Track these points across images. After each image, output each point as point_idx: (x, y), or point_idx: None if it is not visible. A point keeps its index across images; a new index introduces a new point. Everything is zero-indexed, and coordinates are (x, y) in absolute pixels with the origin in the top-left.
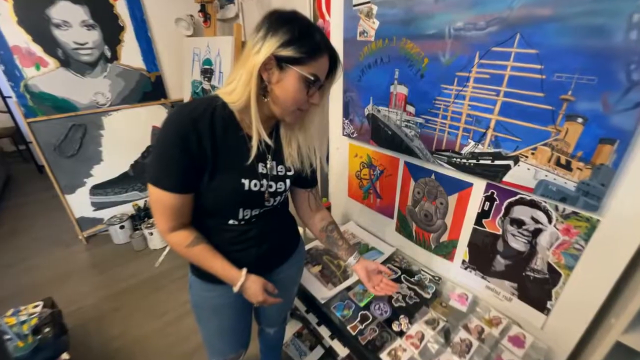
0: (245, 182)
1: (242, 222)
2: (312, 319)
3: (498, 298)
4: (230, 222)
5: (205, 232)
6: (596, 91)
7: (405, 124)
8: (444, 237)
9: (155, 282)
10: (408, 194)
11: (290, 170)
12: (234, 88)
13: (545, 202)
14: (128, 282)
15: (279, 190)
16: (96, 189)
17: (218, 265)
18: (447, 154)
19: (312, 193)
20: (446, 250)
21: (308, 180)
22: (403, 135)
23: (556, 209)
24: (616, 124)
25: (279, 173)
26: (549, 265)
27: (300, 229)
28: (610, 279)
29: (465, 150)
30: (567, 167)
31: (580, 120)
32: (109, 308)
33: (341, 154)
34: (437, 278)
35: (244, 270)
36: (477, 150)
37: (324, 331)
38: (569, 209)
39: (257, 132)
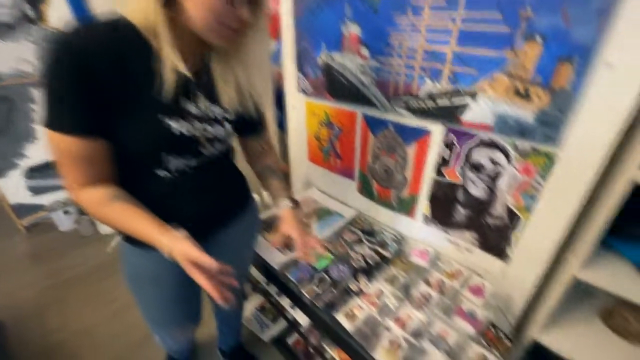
0: (172, 123)
1: (176, 174)
2: (272, 289)
3: (459, 250)
4: (161, 173)
5: (133, 189)
6: (556, 3)
7: (360, 70)
8: (405, 193)
9: (104, 269)
10: (367, 150)
11: (228, 112)
12: None
13: (504, 141)
14: (74, 270)
15: (218, 136)
16: (34, 172)
17: (142, 225)
18: (405, 98)
19: (261, 143)
20: (407, 207)
21: (254, 126)
22: (359, 84)
23: (515, 148)
24: (576, 39)
25: (216, 115)
26: (509, 209)
27: (257, 197)
28: (568, 216)
29: (423, 91)
30: (526, 95)
31: (539, 39)
32: (52, 300)
33: (298, 113)
34: (399, 237)
35: (174, 229)
36: (435, 91)
37: (285, 302)
38: (528, 145)
39: (169, 58)
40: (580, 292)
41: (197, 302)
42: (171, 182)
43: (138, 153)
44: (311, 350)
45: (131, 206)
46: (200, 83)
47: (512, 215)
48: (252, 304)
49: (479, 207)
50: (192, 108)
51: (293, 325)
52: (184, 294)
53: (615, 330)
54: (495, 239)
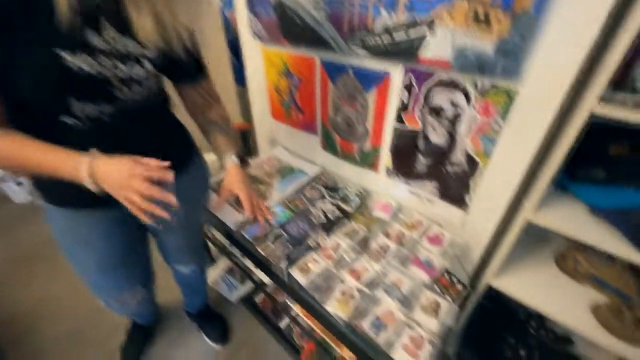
0: (70, 57)
1: (89, 123)
2: (236, 251)
3: (420, 202)
4: (69, 120)
5: (38, 138)
6: None
7: (313, 5)
8: (367, 145)
9: None
10: (328, 101)
11: (148, 49)
12: None
13: (463, 79)
14: (32, 242)
15: (135, 77)
16: None
17: (45, 152)
18: (361, 34)
19: (201, 92)
20: (370, 160)
21: (188, 71)
22: (313, 22)
23: (474, 86)
24: None
25: (130, 51)
26: (468, 156)
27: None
28: (526, 158)
29: (378, 25)
30: (486, 21)
31: None
32: (10, 272)
33: (256, 64)
34: (362, 191)
35: (92, 151)
36: (390, 23)
37: (249, 262)
38: (488, 82)
39: None
40: (538, 239)
41: (143, 263)
42: (84, 132)
43: (35, 94)
44: (278, 308)
45: (28, 137)
46: (107, 10)
47: (471, 162)
48: (220, 267)
49: (439, 155)
50: (96, 40)
51: (258, 285)
52: (121, 257)
53: (567, 273)
54: (454, 188)
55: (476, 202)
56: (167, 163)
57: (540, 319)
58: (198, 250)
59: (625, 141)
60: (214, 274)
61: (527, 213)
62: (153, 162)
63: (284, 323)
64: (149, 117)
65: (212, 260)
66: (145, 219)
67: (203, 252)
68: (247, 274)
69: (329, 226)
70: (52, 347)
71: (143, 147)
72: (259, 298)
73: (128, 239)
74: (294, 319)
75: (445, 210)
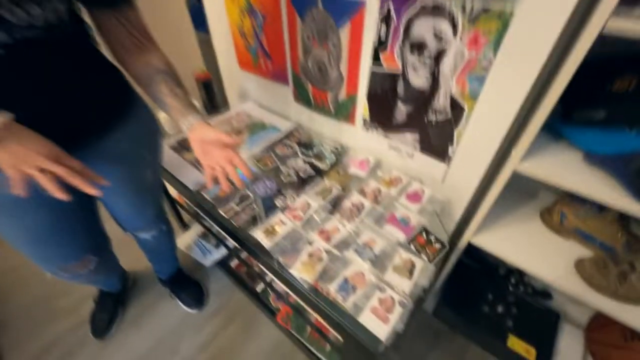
0: None
1: None
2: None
3: (400, 156)
4: None
5: None
6: None
7: None
8: (342, 94)
9: None
10: (297, 41)
11: None
12: None
13: (450, 3)
14: None
15: None
16: None
17: None
18: None
19: (124, 23)
20: (346, 111)
21: None
22: None
23: (463, 10)
24: None
25: None
26: (452, 100)
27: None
28: (517, 98)
29: None
30: None
31: None
32: None
33: (216, 2)
34: (339, 147)
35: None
36: None
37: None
38: (479, 4)
39: None
40: (523, 195)
41: (85, 232)
42: None
43: None
44: (252, 273)
45: None
46: None
47: (456, 107)
48: (193, 231)
49: (421, 102)
50: None
51: (231, 250)
52: (55, 227)
53: (552, 228)
54: (437, 138)
55: (460, 154)
56: (96, 178)
57: (519, 275)
58: (156, 215)
59: (633, 74)
60: (188, 238)
61: (515, 162)
62: (76, 164)
63: (260, 287)
64: (64, 53)
65: (185, 225)
66: (58, 194)
67: (163, 216)
68: (219, 239)
69: (300, 185)
70: (20, 316)
71: (60, 93)
72: (234, 263)
73: (62, 207)
74: (270, 284)
75: (427, 165)
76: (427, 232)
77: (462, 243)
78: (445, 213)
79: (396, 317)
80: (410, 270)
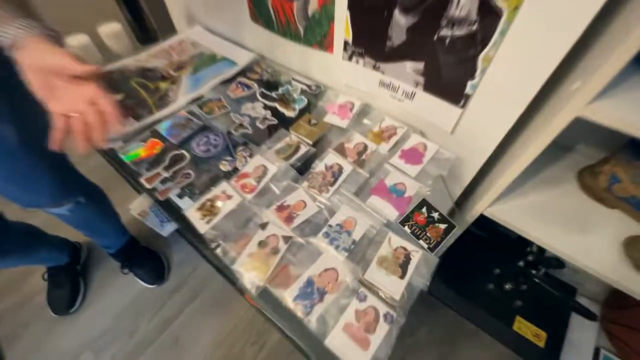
0: None
1: None
2: None
3: (395, 97)
4: None
5: None
6: None
7: None
8: (313, 3)
9: None
10: None
11: None
12: None
13: None
14: None
15: None
16: None
17: None
18: None
19: None
20: (320, 30)
21: None
22: None
23: None
24: None
25: None
26: (482, 4)
27: None
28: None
29: None
30: None
31: None
32: None
33: None
34: (312, 86)
35: None
36: None
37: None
38: None
39: None
40: (554, 147)
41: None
42: None
43: None
44: None
45: None
46: None
47: (486, 13)
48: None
49: (431, 7)
50: None
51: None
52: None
53: (593, 194)
54: (450, 69)
55: (483, 92)
56: None
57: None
58: (60, 186)
59: None
60: (141, 203)
61: (580, 104)
62: None
63: None
64: None
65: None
66: None
67: (74, 185)
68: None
69: (256, 140)
70: None
71: None
72: None
73: None
74: None
75: (432, 109)
76: (429, 207)
77: (472, 215)
78: (452, 175)
79: (380, 338)
80: (402, 264)
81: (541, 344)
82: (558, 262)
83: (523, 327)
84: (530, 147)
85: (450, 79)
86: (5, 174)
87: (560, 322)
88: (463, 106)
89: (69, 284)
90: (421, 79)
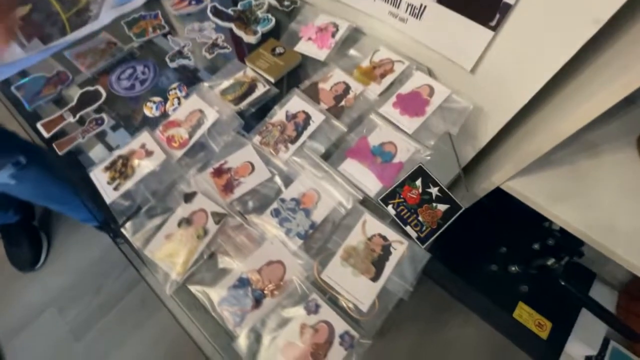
0: None
1: None
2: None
3: (397, 15)
4: None
5: None
6: None
7: None
8: None
9: None
10: None
11: None
12: None
13: None
14: None
15: None
16: None
17: None
18: None
19: None
20: None
21: None
22: None
23: None
24: None
25: None
26: None
27: None
28: None
29: None
30: None
31: None
32: None
33: None
34: (287, 1)
35: None
36: None
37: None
38: None
39: None
40: None
41: None
42: None
43: None
44: None
45: None
46: None
47: None
48: None
49: None
50: None
51: None
52: None
53: None
54: None
55: (530, 6)
56: None
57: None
58: None
59: None
60: None
61: None
62: None
63: None
64: None
65: None
66: None
67: (8, 141)
68: None
69: (198, 75)
70: None
71: None
72: None
73: None
74: None
75: (447, 33)
76: (427, 178)
77: (483, 188)
78: (463, 133)
79: None
80: (378, 260)
81: (544, 334)
82: (581, 247)
83: (525, 314)
84: (602, 92)
85: None
86: None
87: (571, 312)
88: (496, 26)
89: (27, 242)
90: None
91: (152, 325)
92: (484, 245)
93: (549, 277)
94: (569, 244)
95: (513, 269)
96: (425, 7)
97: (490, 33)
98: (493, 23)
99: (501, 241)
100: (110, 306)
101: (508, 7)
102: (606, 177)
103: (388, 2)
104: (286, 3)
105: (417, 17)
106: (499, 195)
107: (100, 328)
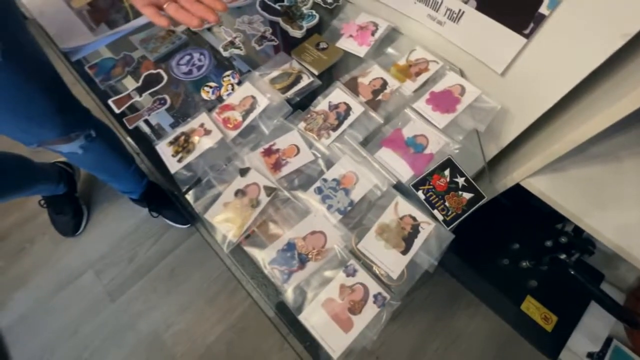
0: None
1: None
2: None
3: (435, 18)
4: None
5: None
6: None
7: None
8: None
9: None
10: None
11: None
12: None
13: None
14: None
15: None
16: None
17: None
18: None
19: None
20: None
21: None
22: None
23: None
24: None
25: None
26: None
27: None
28: None
29: None
30: None
31: None
32: None
33: None
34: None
35: None
36: None
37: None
38: None
39: None
40: None
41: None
42: None
43: None
44: None
45: None
46: None
47: None
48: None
49: None
50: None
51: None
52: None
53: None
54: None
55: (571, 10)
56: None
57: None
58: (68, 111)
59: None
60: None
61: None
62: None
63: None
64: None
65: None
66: None
67: (79, 114)
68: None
69: (249, 64)
70: None
71: None
72: None
73: None
74: None
75: (482, 38)
76: (455, 169)
77: (504, 184)
78: (489, 130)
79: (365, 321)
80: (408, 236)
81: (549, 327)
82: (593, 248)
83: (532, 307)
84: (626, 98)
85: None
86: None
87: (577, 308)
88: (530, 34)
89: (71, 211)
90: None
91: (181, 292)
92: (497, 240)
93: (558, 273)
94: (581, 242)
95: (524, 264)
96: (463, 12)
97: (523, 40)
98: (527, 31)
99: (514, 238)
100: (142, 273)
101: (542, 18)
102: (629, 182)
103: (428, 5)
104: (329, 0)
105: (454, 21)
106: (514, 193)
107: (134, 292)
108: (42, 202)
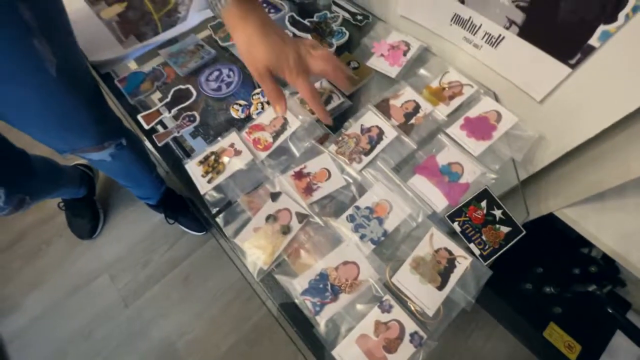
0: None
1: None
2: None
3: (472, 42)
4: None
5: None
6: None
7: None
8: None
9: None
10: None
11: None
12: None
13: None
14: None
15: None
16: None
17: None
18: None
19: None
20: None
21: None
22: None
23: None
24: None
25: None
26: None
27: None
28: None
29: None
30: None
31: None
32: None
33: None
34: (357, 16)
35: None
36: None
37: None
38: None
39: None
40: None
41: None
42: None
43: None
44: None
45: None
46: None
47: None
48: None
49: None
50: None
51: None
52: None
53: None
54: (576, 3)
55: (625, 42)
56: None
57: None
58: (103, 121)
59: None
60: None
61: None
62: None
63: None
64: None
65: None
66: None
67: (113, 124)
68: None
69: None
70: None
71: None
72: None
73: None
74: None
75: (522, 65)
76: (492, 201)
77: (536, 211)
78: (527, 159)
79: None
80: (444, 271)
81: (572, 356)
82: (623, 280)
83: (555, 334)
84: None
85: (569, 19)
86: (40, 108)
87: (602, 338)
88: (576, 65)
89: (88, 215)
90: (519, 16)
91: (195, 300)
92: (519, 264)
93: (585, 302)
94: (613, 272)
95: (548, 289)
96: (503, 37)
97: (568, 70)
98: (573, 61)
99: (537, 261)
100: (156, 279)
101: (591, 49)
102: None
103: (465, 28)
104: (359, 17)
105: (492, 46)
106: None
107: (147, 298)
108: (61, 204)
